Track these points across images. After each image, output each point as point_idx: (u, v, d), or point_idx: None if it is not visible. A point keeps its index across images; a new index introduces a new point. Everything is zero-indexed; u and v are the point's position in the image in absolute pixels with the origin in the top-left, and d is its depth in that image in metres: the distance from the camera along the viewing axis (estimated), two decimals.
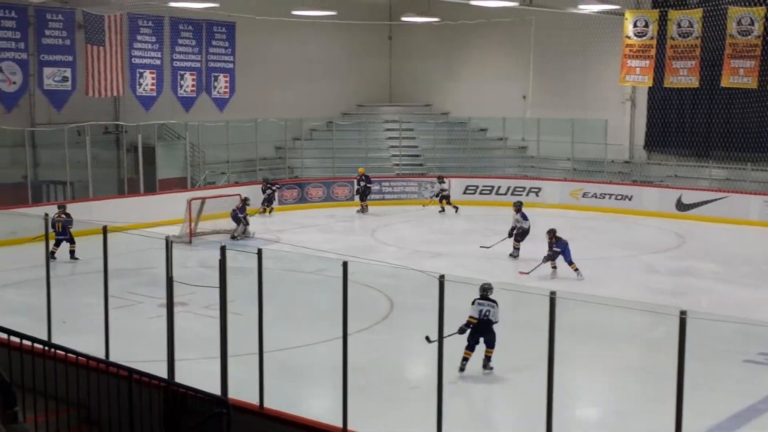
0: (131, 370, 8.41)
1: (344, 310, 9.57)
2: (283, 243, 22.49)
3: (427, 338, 10.67)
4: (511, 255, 20.91)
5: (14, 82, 22.97)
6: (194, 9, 25.07)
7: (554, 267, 18.96)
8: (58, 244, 18.92)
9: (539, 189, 30.16)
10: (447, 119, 34.25)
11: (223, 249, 11.31)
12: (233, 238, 22.55)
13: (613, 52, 27.85)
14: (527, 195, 29.98)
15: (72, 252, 19.30)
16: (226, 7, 25.68)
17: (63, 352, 8.41)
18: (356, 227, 27.17)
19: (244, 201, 23.49)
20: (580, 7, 24.20)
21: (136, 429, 8.34)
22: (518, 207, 21.48)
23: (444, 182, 28.76)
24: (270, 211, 27.63)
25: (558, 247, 18.83)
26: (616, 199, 28.79)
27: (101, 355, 10.61)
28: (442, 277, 9.05)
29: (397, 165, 31.88)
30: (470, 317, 12.09)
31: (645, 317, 15.11)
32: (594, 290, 16.55)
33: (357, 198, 28.80)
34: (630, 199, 28.51)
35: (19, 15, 22.81)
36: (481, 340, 12.21)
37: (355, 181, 29.11)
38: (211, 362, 10.59)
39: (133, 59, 25.29)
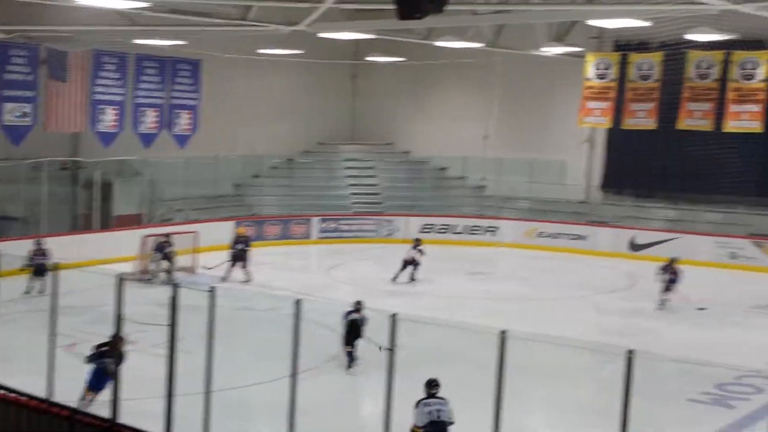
0: (73, 410, 8.38)
1: (294, 349, 9.63)
2: (237, 281, 22.43)
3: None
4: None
5: None
6: (160, 46, 25.12)
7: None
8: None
9: (496, 228, 30.42)
10: (408, 158, 34.50)
11: (175, 287, 11.32)
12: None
13: (574, 93, 28.29)
14: (484, 234, 30.26)
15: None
16: (192, 45, 25.75)
17: (4, 392, 8.37)
18: (312, 265, 27.19)
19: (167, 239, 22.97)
20: (543, 49, 24.59)
21: None
22: (417, 243, 23.45)
23: (419, 249, 23.74)
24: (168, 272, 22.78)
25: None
26: (570, 238, 29.10)
27: (43, 395, 10.53)
28: (394, 315, 9.16)
29: (356, 203, 31.98)
30: (414, 427, 10.07)
31: (594, 356, 15.27)
32: (545, 329, 16.66)
33: (229, 265, 23.07)
34: (584, 239, 28.84)
35: None
36: None
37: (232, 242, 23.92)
38: (158, 402, 10.55)
39: (95, 95, 25.19)
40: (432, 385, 10.31)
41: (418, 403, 10.14)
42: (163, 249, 22.70)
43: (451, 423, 10.23)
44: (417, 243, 23.81)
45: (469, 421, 12.04)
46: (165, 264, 22.60)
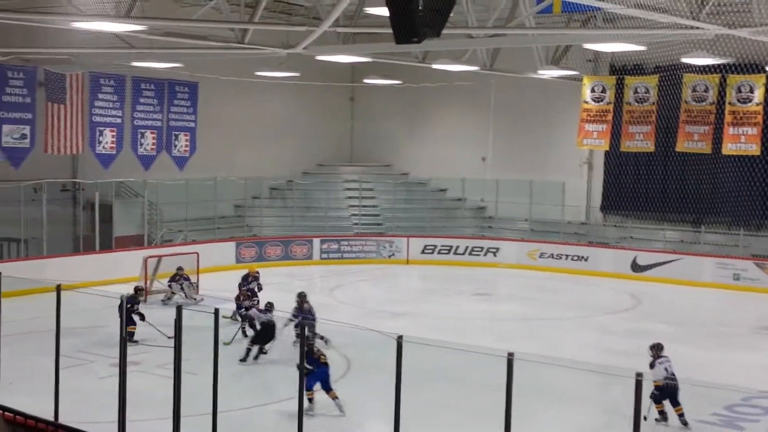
0: None
1: (300, 371, 9.55)
2: (240, 302, 22.29)
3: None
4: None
5: None
6: (157, 69, 25.16)
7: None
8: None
9: (497, 249, 30.38)
10: (407, 179, 34.52)
11: (179, 309, 11.26)
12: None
13: (571, 115, 28.34)
14: (485, 255, 30.22)
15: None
16: (189, 68, 25.79)
17: (11, 414, 8.28)
18: (314, 286, 27.06)
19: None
20: (540, 72, 24.63)
21: None
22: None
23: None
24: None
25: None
26: (572, 259, 29.07)
27: (50, 416, 10.43)
28: (400, 337, 9.09)
29: (357, 224, 31.97)
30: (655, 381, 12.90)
31: (599, 378, 15.17)
32: (550, 350, 16.61)
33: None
34: (586, 260, 28.81)
35: None
36: None
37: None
38: (164, 423, 10.46)
39: (93, 117, 25.20)
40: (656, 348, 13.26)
41: (652, 364, 13.06)
42: (177, 280, 22.30)
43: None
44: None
45: None
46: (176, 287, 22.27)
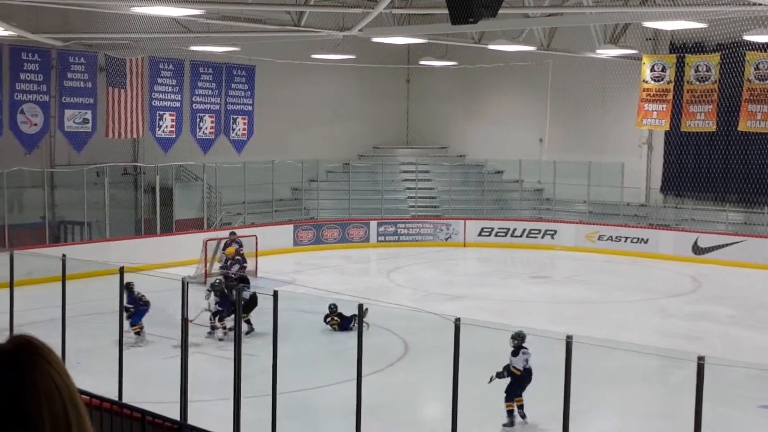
0: (144, 412, 8.43)
1: (359, 352, 9.58)
2: (298, 284, 22.51)
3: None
4: None
5: (35, 124, 23.24)
6: (215, 53, 25.37)
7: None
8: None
9: (555, 231, 30.12)
10: (463, 161, 34.36)
11: (238, 291, 11.39)
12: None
13: (630, 95, 27.94)
14: (542, 237, 29.98)
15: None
16: (246, 51, 25.97)
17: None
18: (371, 269, 27.19)
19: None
20: (598, 51, 24.28)
21: None
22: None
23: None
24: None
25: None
26: (631, 242, 28.70)
27: (114, 396, 10.63)
28: (457, 320, 9.06)
29: (413, 207, 31.95)
30: (514, 368, 12.05)
31: (661, 362, 15.00)
32: (610, 333, 16.46)
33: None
34: (646, 243, 28.42)
35: (42, 58, 23.13)
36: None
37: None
38: (224, 404, 10.59)
39: (153, 101, 25.54)
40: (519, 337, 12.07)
41: (518, 352, 11.97)
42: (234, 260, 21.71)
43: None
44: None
45: (536, 425, 11.94)
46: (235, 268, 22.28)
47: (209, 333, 16.65)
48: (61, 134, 24.15)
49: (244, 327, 15.31)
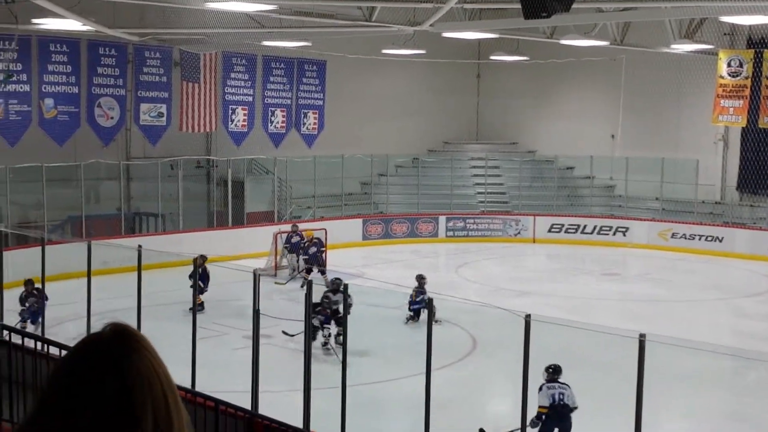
0: (217, 401, 8.58)
1: (428, 346, 9.61)
2: (367, 278, 22.61)
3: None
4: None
5: (112, 117, 23.76)
6: (287, 48, 25.62)
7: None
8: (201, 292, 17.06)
9: (626, 229, 29.70)
10: (533, 157, 34.09)
11: (309, 283, 11.51)
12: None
13: (705, 91, 27.38)
14: (614, 234, 29.59)
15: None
16: (317, 46, 26.15)
17: None
18: (440, 264, 27.17)
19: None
20: (673, 46, 23.84)
21: None
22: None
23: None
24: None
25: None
26: (706, 240, 28.14)
27: (188, 385, 10.85)
28: (528, 316, 9.03)
29: (482, 202, 31.83)
30: (540, 407, 10.21)
31: (735, 362, 14.71)
32: (683, 333, 16.18)
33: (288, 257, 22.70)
34: (721, 241, 27.84)
35: (119, 53, 23.63)
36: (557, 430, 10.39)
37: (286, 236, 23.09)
38: (294, 394, 10.73)
39: (226, 96, 25.91)
40: (554, 371, 10.47)
41: (541, 388, 10.28)
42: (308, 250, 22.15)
43: (574, 408, 10.34)
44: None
45: (606, 426, 11.81)
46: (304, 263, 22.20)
47: (323, 345, 15.48)
48: (137, 127, 24.65)
49: (335, 329, 15.08)
